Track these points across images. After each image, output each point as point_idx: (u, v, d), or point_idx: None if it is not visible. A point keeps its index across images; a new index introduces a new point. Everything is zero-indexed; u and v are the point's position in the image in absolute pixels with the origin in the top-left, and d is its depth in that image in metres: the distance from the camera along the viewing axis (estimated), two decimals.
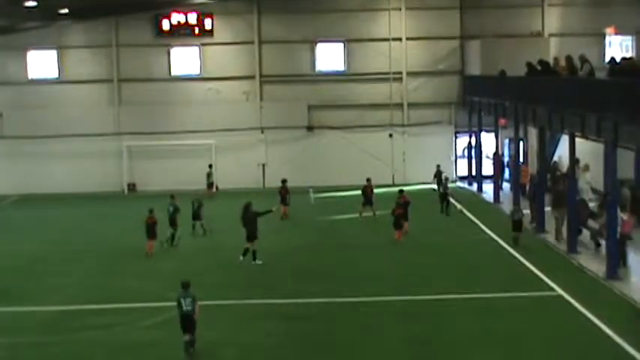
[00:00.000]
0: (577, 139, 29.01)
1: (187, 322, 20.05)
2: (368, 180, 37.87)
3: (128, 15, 46.99)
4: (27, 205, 44.10)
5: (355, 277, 27.21)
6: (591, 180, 36.08)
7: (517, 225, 31.14)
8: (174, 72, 48.03)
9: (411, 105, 48.04)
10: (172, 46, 47.79)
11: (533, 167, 39.38)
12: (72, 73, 47.77)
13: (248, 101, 48.12)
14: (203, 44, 47.72)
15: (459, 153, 48.35)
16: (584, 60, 29.58)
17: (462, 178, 47.13)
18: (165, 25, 47.18)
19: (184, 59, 47.95)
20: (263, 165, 47.66)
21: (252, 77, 47.94)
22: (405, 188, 36.44)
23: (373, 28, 47.85)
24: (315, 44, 47.92)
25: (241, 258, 29.21)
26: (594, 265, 27.31)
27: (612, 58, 28.44)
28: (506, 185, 42.67)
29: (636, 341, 19.90)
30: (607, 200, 27.04)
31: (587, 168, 36.16)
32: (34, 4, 37.39)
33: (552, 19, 47.58)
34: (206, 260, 30.19)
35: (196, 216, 34.59)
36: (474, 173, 45.34)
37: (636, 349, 19.51)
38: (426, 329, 21.90)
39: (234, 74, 47.91)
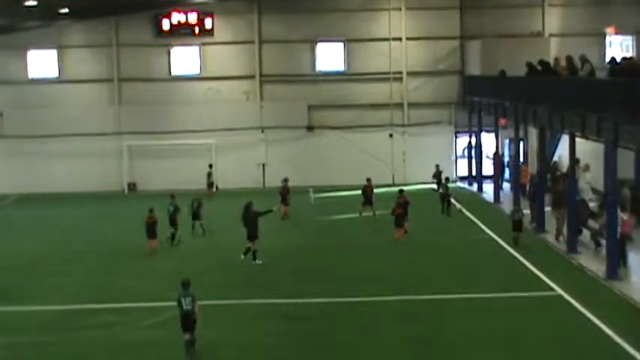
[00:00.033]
0: (577, 139, 29.00)
1: (187, 322, 20.06)
2: (368, 180, 37.88)
3: (128, 14, 46.99)
4: (27, 205, 44.09)
5: (355, 277, 27.21)
6: (591, 180, 36.06)
7: (517, 225, 31.13)
8: (175, 72, 48.03)
9: (411, 105, 48.04)
10: (172, 46, 47.78)
11: (533, 167, 39.36)
12: (72, 72, 47.78)
13: (248, 101, 48.13)
14: (203, 44, 47.73)
15: (459, 153, 48.33)
16: (584, 60, 29.58)
17: (462, 178, 47.11)
18: (166, 24, 47.19)
19: (184, 59, 47.95)
20: (263, 165, 47.66)
21: (252, 77, 47.94)
22: (404, 188, 36.44)
23: (373, 28, 47.85)
24: (316, 44, 47.92)
25: (242, 257, 29.22)
26: (594, 265, 27.31)
27: (613, 58, 28.44)
28: (506, 185, 42.67)
29: (636, 341, 19.90)
30: (607, 200, 27.03)
31: (587, 168, 36.15)
32: (35, 3, 37.36)
33: (553, 19, 47.57)
34: (206, 260, 30.18)
35: (196, 216, 34.60)
36: (474, 173, 45.33)
37: (636, 349, 19.52)
38: (426, 329, 21.90)
39: (234, 74, 47.91)
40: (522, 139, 40.13)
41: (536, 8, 47.48)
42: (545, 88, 32.23)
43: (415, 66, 47.93)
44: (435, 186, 42.09)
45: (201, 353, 20.14)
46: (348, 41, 47.83)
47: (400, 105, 48.10)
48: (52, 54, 47.72)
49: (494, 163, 42.37)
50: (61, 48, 47.73)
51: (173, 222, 32.71)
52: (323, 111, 47.93)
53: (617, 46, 47.31)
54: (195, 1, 47.30)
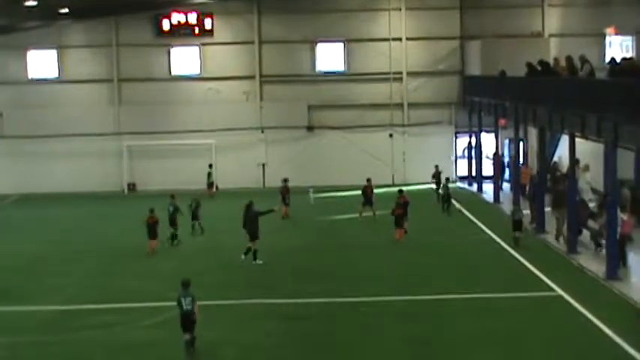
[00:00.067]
0: (577, 140, 29.00)
1: (187, 322, 20.07)
2: (368, 180, 37.88)
3: (128, 15, 47.00)
4: (27, 205, 44.09)
5: (355, 277, 27.21)
6: (591, 180, 36.06)
7: (517, 225, 31.13)
8: (175, 72, 48.04)
9: (411, 105, 48.05)
10: (172, 46, 47.80)
11: (533, 167, 39.36)
12: (72, 72, 47.80)
13: (248, 101, 48.13)
14: (203, 44, 47.74)
15: (459, 153, 48.34)
16: (584, 60, 29.59)
17: (462, 179, 47.12)
18: (166, 24, 47.20)
19: (184, 59, 47.96)
20: (263, 165, 47.67)
21: (252, 77, 47.96)
22: (404, 188, 36.46)
23: (373, 28, 47.86)
24: (316, 44, 47.93)
25: (243, 257, 29.23)
26: (594, 265, 27.31)
27: (612, 59, 28.47)
28: (506, 185, 42.67)
29: (636, 341, 19.89)
30: (607, 200, 27.03)
31: (587, 168, 36.15)
32: (34, 3, 37.36)
33: (552, 20, 47.59)
34: (206, 260, 30.18)
35: (194, 216, 34.63)
36: (474, 173, 45.34)
37: (636, 349, 19.51)
38: (426, 329, 21.90)
39: (234, 74, 47.92)
40: (522, 140, 40.14)
41: (536, 8, 47.50)
42: (545, 89, 32.23)
43: (415, 66, 47.94)
44: (434, 186, 42.04)
45: (201, 353, 20.15)
46: (348, 41, 47.84)
47: (400, 105, 48.11)
48: (51, 54, 47.74)
49: (494, 164, 42.37)
50: (60, 48, 47.75)
51: (173, 222, 32.73)
52: (323, 111, 47.94)
53: (617, 47, 47.31)
54: (195, 2, 47.30)
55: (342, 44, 47.94)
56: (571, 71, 30.50)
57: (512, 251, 30.19)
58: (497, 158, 41.80)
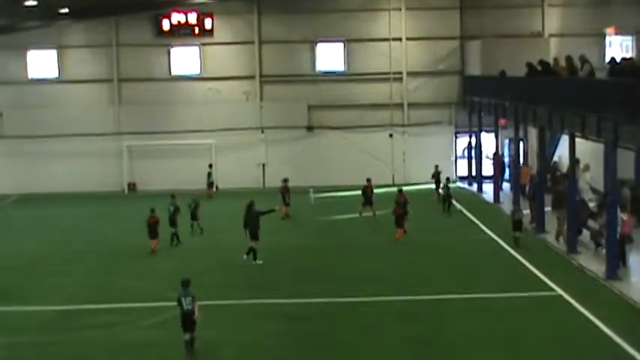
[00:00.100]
0: (577, 140, 29.00)
1: (188, 321, 20.08)
2: (368, 180, 37.89)
3: (128, 15, 46.99)
4: (27, 205, 44.09)
5: (355, 277, 27.21)
6: (591, 180, 36.06)
7: (517, 225, 31.13)
8: (175, 72, 48.03)
9: (411, 105, 48.04)
10: (172, 46, 47.79)
11: (533, 167, 39.34)
12: (72, 72, 47.78)
13: (248, 101, 48.12)
14: (203, 44, 47.73)
15: (459, 153, 48.33)
16: (584, 60, 29.59)
17: (462, 178, 47.11)
18: (166, 24, 47.19)
19: (184, 59, 47.95)
20: (263, 165, 47.67)
21: (252, 77, 47.95)
22: (405, 188, 36.45)
23: (373, 28, 47.85)
24: (315, 44, 47.93)
25: (245, 257, 29.22)
26: (594, 265, 27.30)
27: (612, 59, 28.46)
28: (506, 185, 42.66)
29: (636, 341, 19.90)
30: (607, 200, 27.03)
31: (587, 168, 36.15)
32: (34, 3, 37.35)
33: (552, 20, 47.58)
34: (206, 260, 30.17)
35: (194, 216, 34.64)
36: (474, 173, 45.33)
37: (636, 349, 19.52)
38: (426, 329, 21.90)
39: (234, 74, 47.92)
40: (522, 140, 40.12)
41: (536, 8, 47.49)
42: (545, 89, 32.23)
43: (415, 66, 47.93)
44: (433, 186, 42.03)
45: (201, 353, 20.15)
46: (348, 41, 47.83)
47: (400, 105, 48.10)
48: (51, 54, 47.73)
49: (494, 164, 42.37)
50: (60, 48, 47.74)
51: (173, 222, 32.74)
52: (323, 111, 47.93)
53: (617, 47, 47.30)
54: (195, 2, 47.30)
55: (342, 44, 47.93)
56: (571, 71, 30.50)
57: (512, 251, 30.19)
58: (497, 158, 41.80)
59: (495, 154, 41.82)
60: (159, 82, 47.78)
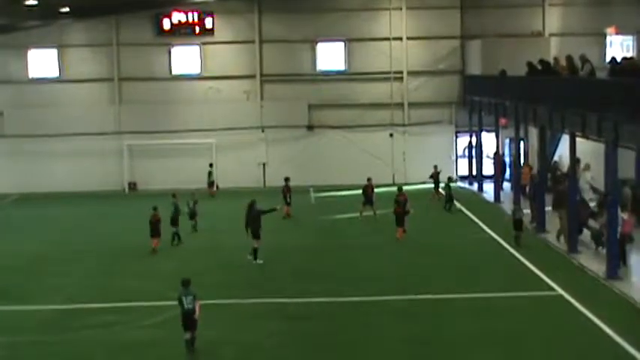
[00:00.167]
0: (578, 139, 28.98)
1: (189, 321, 20.07)
2: (368, 179, 37.88)
3: (129, 14, 46.98)
4: (27, 204, 44.09)
5: (356, 277, 27.20)
6: (592, 180, 36.04)
7: (518, 224, 31.12)
8: (175, 71, 48.03)
9: (411, 104, 48.02)
10: (173, 45, 47.78)
11: (533, 167, 39.32)
12: (72, 71, 47.78)
13: (249, 100, 48.12)
14: (204, 43, 47.72)
15: (460, 153, 48.32)
16: (584, 60, 29.58)
17: (462, 178, 47.10)
18: (166, 24, 47.20)
19: (185, 58, 47.94)
20: (263, 164, 47.66)
21: (252, 76, 47.93)
22: (405, 188, 36.38)
23: (374, 28, 47.84)
24: (316, 43, 47.91)
25: (249, 257, 29.18)
26: (594, 264, 27.29)
27: (613, 58, 28.45)
28: (506, 185, 42.64)
29: (636, 341, 19.89)
30: (607, 200, 27.01)
31: (587, 168, 36.14)
32: (35, 2, 37.31)
33: (553, 19, 47.56)
34: (206, 260, 30.16)
35: (192, 215, 34.65)
36: (474, 173, 45.33)
37: (636, 349, 19.51)
38: (426, 329, 21.89)
39: (234, 73, 47.91)
40: (523, 139, 40.08)
41: (537, 8, 47.47)
42: (545, 88, 32.22)
43: (416, 65, 47.92)
44: (432, 185, 41.99)
45: (201, 353, 20.16)
46: (348, 41, 47.82)
47: (401, 105, 48.09)
48: (52, 53, 47.72)
49: (494, 163, 42.35)
50: (61, 47, 47.73)
51: (175, 221, 32.74)
52: (323, 110, 47.92)
53: (618, 46, 47.29)
54: (195, 1, 47.30)
55: (342, 43, 47.91)
56: (571, 71, 30.49)
57: (513, 251, 30.19)
58: (497, 158, 41.78)
59: (496, 153, 41.80)
60: (159, 81, 47.77)
